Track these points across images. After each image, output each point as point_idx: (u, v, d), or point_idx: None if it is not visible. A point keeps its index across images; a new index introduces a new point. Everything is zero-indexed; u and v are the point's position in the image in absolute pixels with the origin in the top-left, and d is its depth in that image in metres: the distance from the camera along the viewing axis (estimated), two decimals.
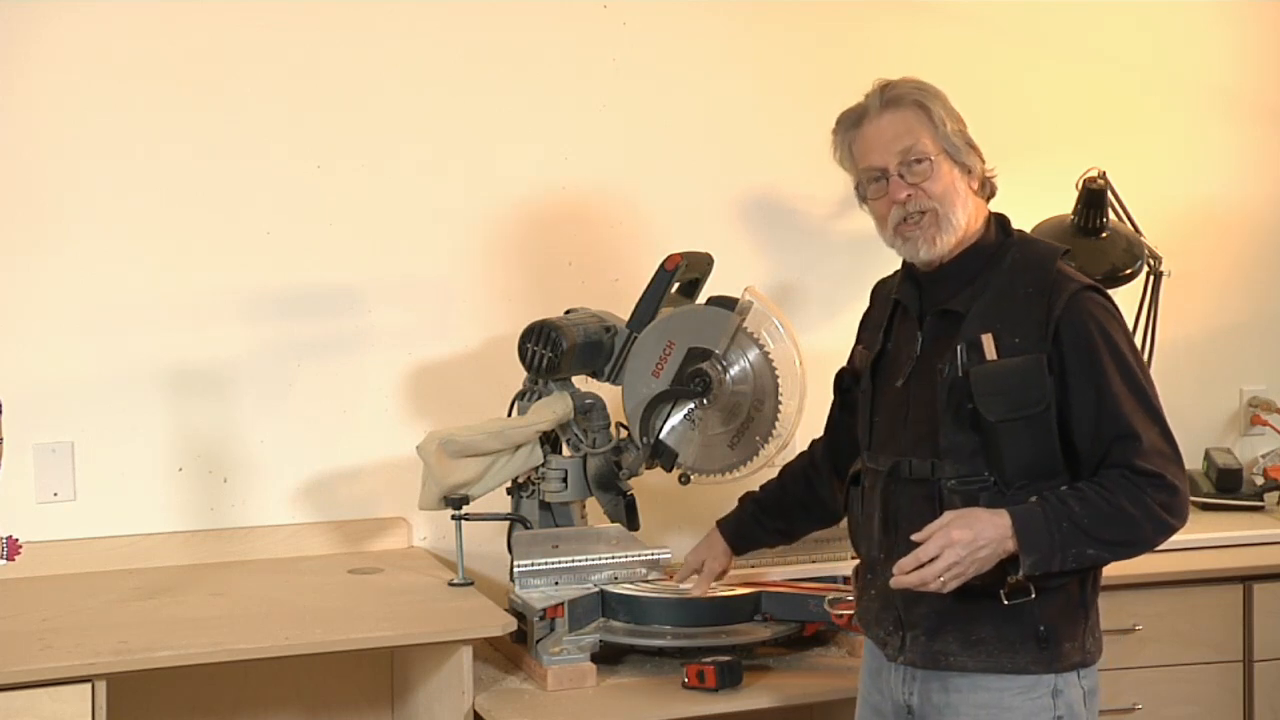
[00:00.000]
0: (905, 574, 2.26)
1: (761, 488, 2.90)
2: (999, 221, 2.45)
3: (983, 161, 2.42)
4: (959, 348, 2.32)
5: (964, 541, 2.23)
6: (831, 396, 2.73)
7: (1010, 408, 2.27)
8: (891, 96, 2.39)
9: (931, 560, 2.24)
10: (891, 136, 2.38)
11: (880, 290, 2.62)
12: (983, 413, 2.28)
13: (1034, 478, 2.28)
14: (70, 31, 3.15)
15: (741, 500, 2.91)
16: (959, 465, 2.32)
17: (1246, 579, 3.20)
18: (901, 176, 2.37)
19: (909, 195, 2.37)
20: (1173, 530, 2.31)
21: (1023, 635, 2.32)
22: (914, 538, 2.27)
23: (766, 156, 3.60)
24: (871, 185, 2.41)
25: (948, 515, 2.27)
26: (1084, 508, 2.24)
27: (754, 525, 2.86)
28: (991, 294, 2.35)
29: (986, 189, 2.44)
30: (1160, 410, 2.33)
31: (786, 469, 2.88)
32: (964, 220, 2.38)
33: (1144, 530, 2.28)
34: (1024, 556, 2.23)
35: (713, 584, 2.90)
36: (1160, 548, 3.32)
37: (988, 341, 2.31)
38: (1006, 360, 2.29)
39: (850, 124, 2.43)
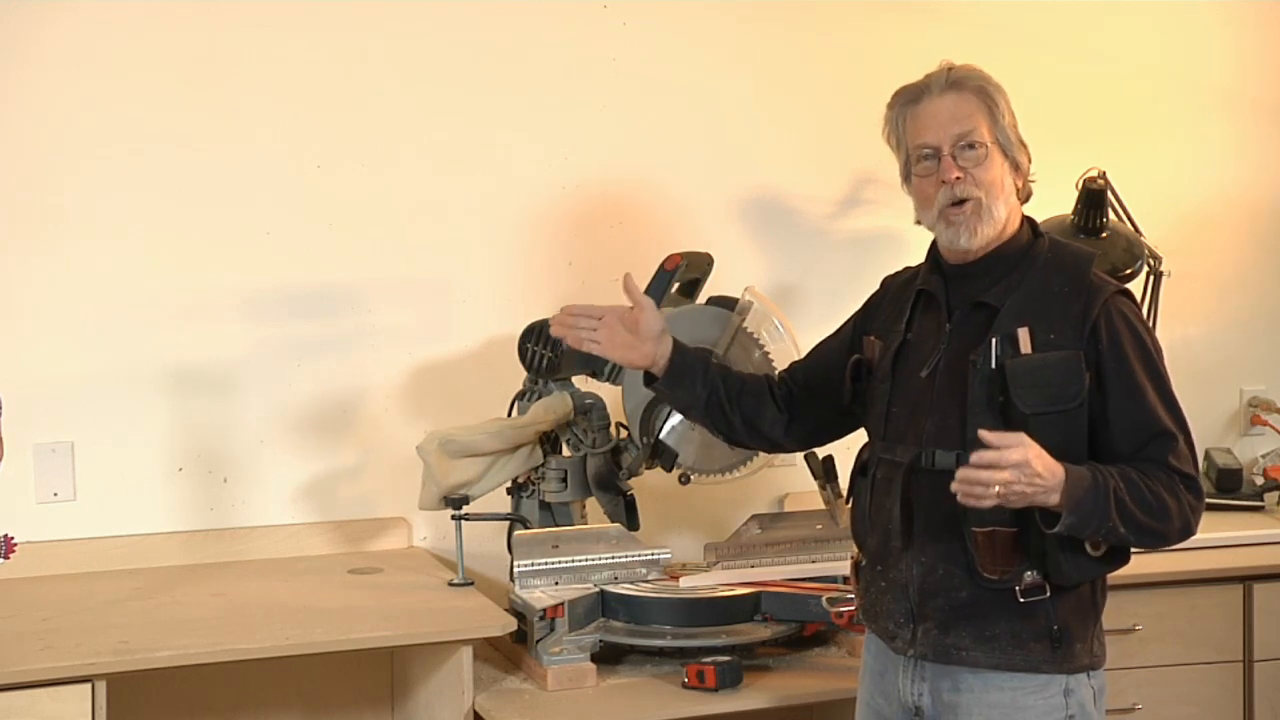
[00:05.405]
0: (979, 466, 2.16)
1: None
2: (1029, 223, 2.46)
3: (1029, 162, 2.43)
4: (994, 340, 2.32)
5: (1032, 468, 2.16)
6: None
7: (1046, 401, 2.27)
8: (956, 78, 2.39)
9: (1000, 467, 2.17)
10: (949, 118, 2.37)
11: (893, 282, 2.61)
12: (1018, 404, 2.28)
13: None
14: (69, 31, 3.15)
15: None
16: None
17: (1246, 579, 3.21)
18: (953, 158, 2.36)
19: (958, 177, 2.36)
20: (1189, 534, 2.33)
21: (1036, 633, 2.32)
22: (986, 437, 2.17)
23: (766, 156, 3.60)
24: (920, 164, 2.40)
25: (1024, 436, 2.19)
26: (1128, 487, 2.25)
27: (699, 363, 2.62)
28: (1026, 290, 2.36)
29: (1024, 191, 2.44)
30: (1186, 422, 2.34)
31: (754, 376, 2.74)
32: (1004, 214, 2.38)
33: (1172, 524, 2.29)
34: (1066, 515, 2.21)
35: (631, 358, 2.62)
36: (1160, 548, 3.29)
37: (1024, 335, 2.31)
38: (1044, 354, 2.30)
39: (908, 99, 2.42)
